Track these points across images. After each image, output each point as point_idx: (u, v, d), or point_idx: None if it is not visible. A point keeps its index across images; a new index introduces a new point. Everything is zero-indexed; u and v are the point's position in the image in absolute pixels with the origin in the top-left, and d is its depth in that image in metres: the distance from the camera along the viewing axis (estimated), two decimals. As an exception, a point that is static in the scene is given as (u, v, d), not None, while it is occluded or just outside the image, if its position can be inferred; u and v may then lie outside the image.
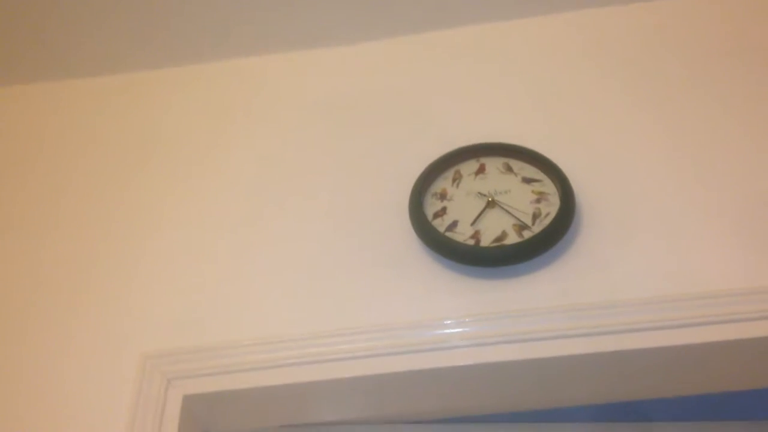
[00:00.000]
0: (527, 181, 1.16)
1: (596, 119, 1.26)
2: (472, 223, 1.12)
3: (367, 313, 1.09)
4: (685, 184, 1.15)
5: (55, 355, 1.11)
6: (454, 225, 1.12)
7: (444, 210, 1.15)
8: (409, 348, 1.04)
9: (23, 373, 1.10)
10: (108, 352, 1.10)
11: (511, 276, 1.08)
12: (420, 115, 1.32)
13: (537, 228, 1.09)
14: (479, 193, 1.16)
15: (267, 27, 1.42)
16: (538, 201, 1.13)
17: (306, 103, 1.37)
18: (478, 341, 1.03)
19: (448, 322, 1.05)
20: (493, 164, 1.19)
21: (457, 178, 1.19)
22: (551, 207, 1.11)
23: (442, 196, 1.17)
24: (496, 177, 1.17)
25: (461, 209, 1.14)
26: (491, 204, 1.14)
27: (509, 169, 1.18)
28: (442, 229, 1.11)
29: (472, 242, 1.09)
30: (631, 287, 1.06)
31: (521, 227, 1.10)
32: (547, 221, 1.09)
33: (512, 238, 1.09)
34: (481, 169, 1.19)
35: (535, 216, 1.11)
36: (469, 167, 1.19)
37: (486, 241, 1.09)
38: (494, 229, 1.10)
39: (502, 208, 1.13)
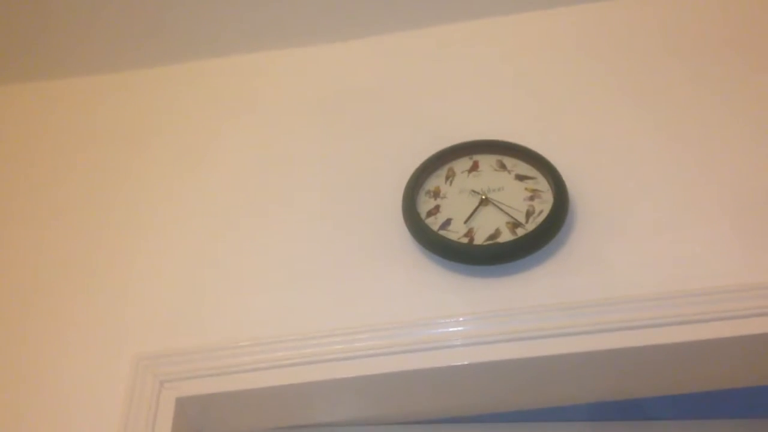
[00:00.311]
0: (521, 178, 1.15)
1: (590, 115, 1.25)
2: (466, 221, 1.11)
3: (360, 312, 1.08)
4: (680, 180, 1.14)
5: (47, 356, 1.11)
6: (447, 223, 1.12)
7: (437, 208, 1.14)
8: (403, 347, 1.03)
9: (16, 374, 1.10)
10: (101, 352, 1.10)
11: (506, 274, 1.08)
12: (413, 112, 1.31)
13: (531, 225, 1.08)
14: (473, 190, 1.15)
15: (262, 24, 1.42)
16: (531, 198, 1.12)
17: (300, 100, 1.37)
18: (474, 340, 1.03)
19: (443, 321, 1.05)
20: (487, 161, 1.18)
21: (450, 176, 1.18)
22: (545, 204, 1.10)
23: (436, 194, 1.16)
24: (489, 174, 1.17)
25: (455, 207, 1.13)
26: (485, 202, 1.13)
27: (503, 166, 1.17)
28: (435, 228, 1.11)
29: (465, 240, 1.09)
30: (626, 284, 1.05)
31: (515, 225, 1.09)
32: (540, 218, 1.08)
33: (506, 236, 1.08)
34: (475, 167, 1.18)
35: (529, 213, 1.10)
36: (462, 165, 1.19)
37: (480, 239, 1.08)
38: (488, 226, 1.10)
39: (496, 205, 1.12)
